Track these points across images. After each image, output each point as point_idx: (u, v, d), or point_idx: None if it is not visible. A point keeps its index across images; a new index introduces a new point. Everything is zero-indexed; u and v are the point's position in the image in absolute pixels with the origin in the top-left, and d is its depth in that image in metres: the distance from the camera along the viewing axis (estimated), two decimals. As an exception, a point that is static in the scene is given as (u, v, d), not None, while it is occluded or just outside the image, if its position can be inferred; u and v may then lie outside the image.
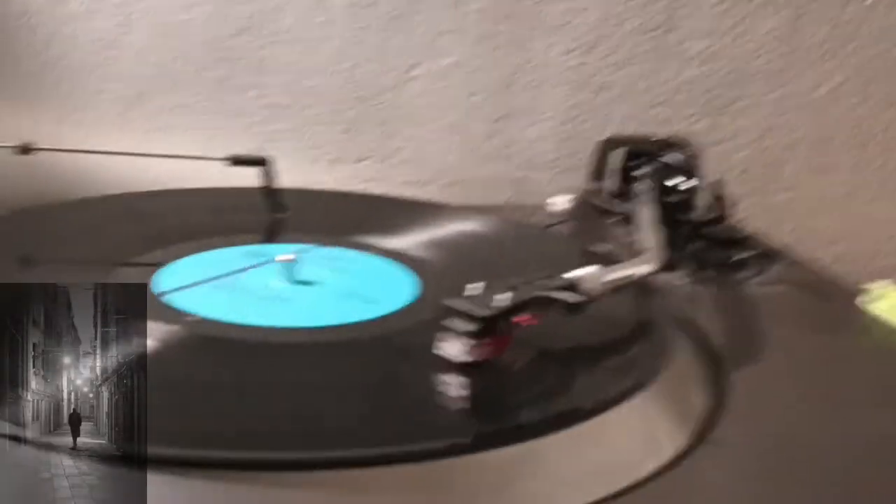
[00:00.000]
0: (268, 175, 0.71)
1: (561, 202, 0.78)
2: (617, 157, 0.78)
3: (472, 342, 0.49)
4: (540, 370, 0.52)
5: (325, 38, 0.87)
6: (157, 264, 0.61)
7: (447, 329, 0.50)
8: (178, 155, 0.70)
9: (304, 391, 0.48)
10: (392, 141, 0.90)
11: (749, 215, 0.99)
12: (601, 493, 0.45)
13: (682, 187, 0.75)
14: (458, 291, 0.59)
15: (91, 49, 0.83)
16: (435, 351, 0.50)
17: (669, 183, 0.76)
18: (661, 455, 0.50)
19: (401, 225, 0.71)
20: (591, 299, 0.55)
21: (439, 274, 0.63)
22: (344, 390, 0.48)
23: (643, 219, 0.68)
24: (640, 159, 0.77)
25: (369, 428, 0.45)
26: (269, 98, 0.87)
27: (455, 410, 0.49)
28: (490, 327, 0.50)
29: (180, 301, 0.55)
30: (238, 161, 0.71)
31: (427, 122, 0.90)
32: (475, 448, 0.44)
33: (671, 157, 0.77)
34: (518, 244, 0.71)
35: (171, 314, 0.54)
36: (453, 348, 0.50)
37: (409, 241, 0.69)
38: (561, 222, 0.79)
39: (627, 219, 0.74)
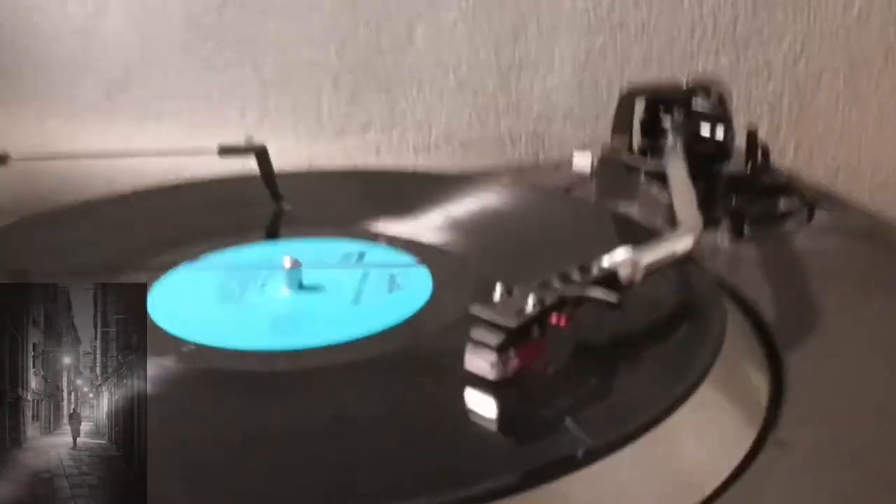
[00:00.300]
0: (264, 163, 0.66)
1: (584, 161, 0.72)
2: (640, 109, 0.72)
3: (503, 356, 0.44)
4: (583, 375, 0.47)
5: (316, 5, 0.80)
6: (146, 281, 0.56)
7: (474, 342, 0.45)
8: (162, 151, 0.65)
9: (319, 434, 0.43)
10: (397, 106, 0.84)
11: (783, 150, 0.93)
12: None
13: (716, 136, 0.69)
14: (477, 281, 0.54)
15: (66, 38, 0.77)
16: (466, 367, 0.45)
17: (700, 132, 0.69)
18: (732, 459, 0.45)
19: (411, 204, 0.65)
20: (631, 287, 0.49)
21: (457, 261, 0.58)
22: (362, 430, 0.43)
23: (674, 180, 0.62)
24: (665, 108, 0.71)
25: (407, 478, 0.40)
26: (261, 74, 0.81)
27: (499, 442, 0.43)
28: (521, 336, 0.45)
29: (173, 325, 0.50)
30: (229, 151, 0.65)
31: (432, 82, 0.84)
32: (527, 485, 0.39)
33: (699, 103, 0.70)
34: (542, 216, 0.65)
35: (167, 343, 0.49)
36: (484, 365, 0.45)
37: (421, 223, 0.63)
38: (584, 183, 0.73)
39: (657, 176, 0.68)
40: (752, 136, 0.66)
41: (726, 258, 0.64)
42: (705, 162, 0.69)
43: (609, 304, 0.46)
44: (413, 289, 0.54)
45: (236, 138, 0.81)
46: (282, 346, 0.49)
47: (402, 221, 0.63)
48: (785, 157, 0.94)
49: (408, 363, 0.48)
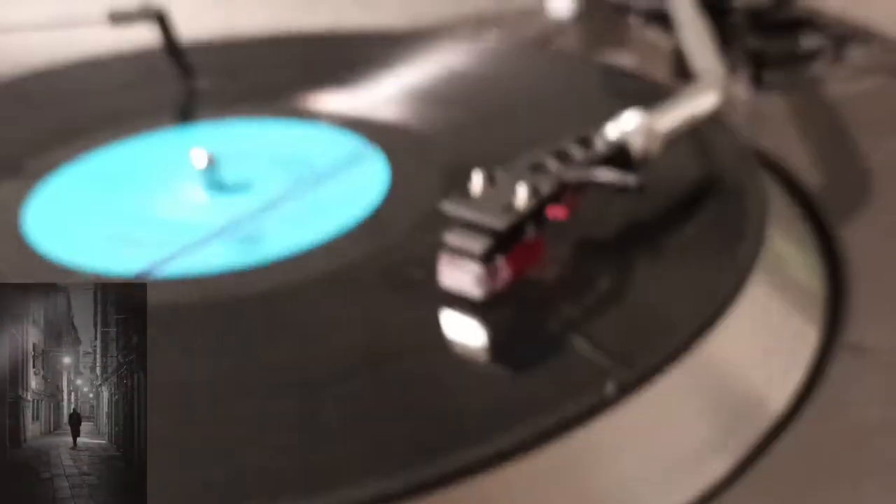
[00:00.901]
0: (165, 29, 0.53)
1: (562, 3, 0.60)
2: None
3: (490, 266, 0.33)
4: (596, 282, 0.35)
5: None
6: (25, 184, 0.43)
7: (451, 249, 0.33)
8: (39, 25, 0.52)
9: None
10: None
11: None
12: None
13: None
14: (445, 166, 0.43)
15: None
16: (440, 283, 0.34)
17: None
18: (797, 370, 0.34)
19: (355, 73, 0.53)
20: (647, 162, 0.38)
21: (417, 141, 0.46)
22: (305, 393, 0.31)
23: (682, 16, 0.49)
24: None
25: (372, 452, 0.28)
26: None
27: (498, 383, 0.31)
28: (512, 239, 0.33)
29: (57, 247, 0.39)
30: (121, 17, 0.52)
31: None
32: (541, 439, 0.28)
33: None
34: (518, 78, 0.52)
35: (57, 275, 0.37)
36: (466, 278, 0.33)
37: (369, 96, 0.51)
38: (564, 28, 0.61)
39: (653, 15, 0.56)
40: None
41: (747, 112, 0.52)
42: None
43: (625, 189, 0.34)
44: (365, 181, 0.42)
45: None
46: (197, 269, 0.37)
47: (345, 94, 0.51)
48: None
49: (363, 283, 0.36)
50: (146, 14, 0.52)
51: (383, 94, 0.50)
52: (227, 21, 0.69)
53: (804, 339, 0.36)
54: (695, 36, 0.47)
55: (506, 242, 0.33)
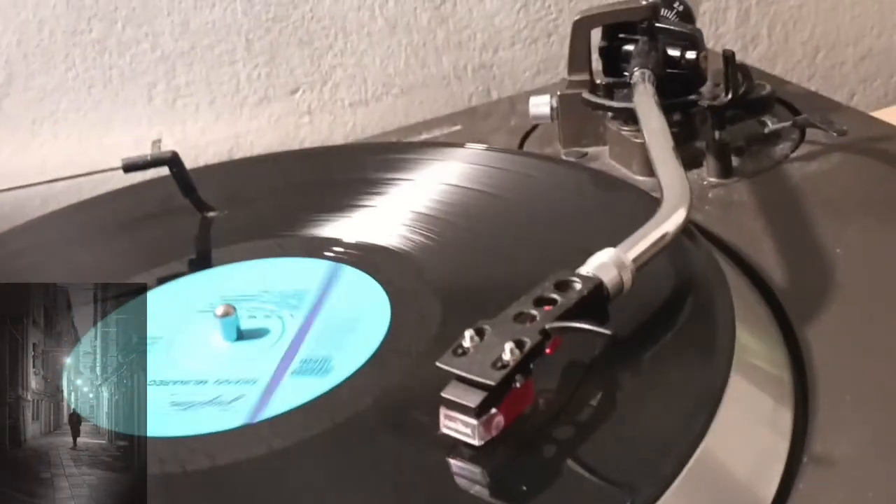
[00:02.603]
0: (178, 171, 0.57)
1: (542, 107, 0.63)
2: (598, 38, 0.63)
3: (487, 416, 0.37)
4: (587, 412, 0.39)
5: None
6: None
7: (449, 403, 0.37)
8: (54, 179, 0.56)
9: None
10: (323, 60, 0.74)
11: (756, 37, 0.85)
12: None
13: (686, 56, 0.60)
14: (442, 302, 0.47)
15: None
16: (443, 431, 0.38)
17: (669, 54, 0.61)
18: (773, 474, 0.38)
19: (350, 198, 0.57)
20: (622, 293, 0.42)
21: (413, 268, 0.50)
22: None
23: (648, 132, 0.53)
24: (625, 35, 0.62)
25: None
26: (162, 47, 0.71)
27: None
28: (503, 390, 0.37)
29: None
30: (134, 167, 0.56)
31: (358, 27, 0.74)
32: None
33: (662, 20, 0.61)
34: (510, 187, 0.56)
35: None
36: (463, 429, 0.37)
37: (366, 225, 0.54)
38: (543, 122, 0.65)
39: (627, 113, 0.60)
40: (729, 60, 0.57)
41: (717, 204, 0.56)
42: (679, 88, 0.60)
43: (600, 336, 0.38)
44: (370, 318, 0.46)
45: (147, 125, 0.72)
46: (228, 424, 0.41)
47: (343, 219, 0.55)
48: (759, 44, 0.86)
49: (374, 428, 0.40)
50: (159, 161, 0.56)
51: (382, 218, 0.54)
52: (234, 134, 0.74)
53: (778, 445, 0.40)
54: (659, 149, 0.51)
55: (498, 395, 0.37)
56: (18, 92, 0.69)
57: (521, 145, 0.67)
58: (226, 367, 0.45)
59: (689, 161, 0.58)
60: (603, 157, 0.63)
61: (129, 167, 0.56)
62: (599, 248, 0.43)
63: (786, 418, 0.41)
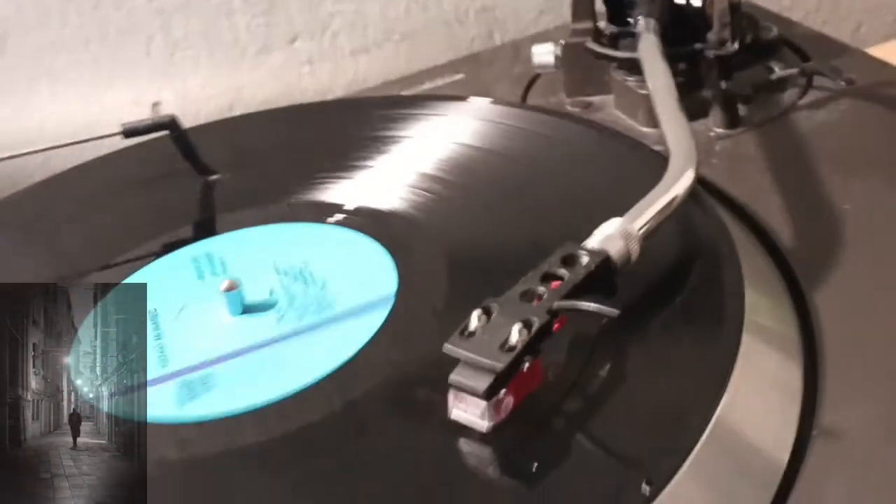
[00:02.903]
0: (178, 136, 0.56)
1: (545, 56, 0.62)
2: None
3: (496, 399, 0.37)
4: (598, 387, 0.39)
5: None
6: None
7: (457, 387, 0.37)
8: (55, 145, 0.56)
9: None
10: (322, 8, 0.73)
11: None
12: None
13: (692, 2, 0.59)
14: (452, 262, 0.46)
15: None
16: (451, 416, 0.38)
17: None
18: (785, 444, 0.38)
19: (352, 158, 0.56)
20: (629, 264, 0.42)
21: (423, 234, 0.49)
22: None
23: (654, 88, 0.52)
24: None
25: None
26: (159, 0, 0.69)
27: None
28: (511, 373, 0.37)
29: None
30: (134, 132, 0.55)
31: (357, -28, 0.73)
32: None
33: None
34: (513, 144, 0.55)
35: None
36: (472, 415, 0.37)
37: (374, 183, 0.54)
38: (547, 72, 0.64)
39: (632, 63, 0.59)
40: (735, 8, 0.56)
41: (724, 157, 0.55)
42: (685, 35, 0.59)
43: (607, 317, 0.38)
44: (376, 286, 0.46)
45: (147, 80, 0.72)
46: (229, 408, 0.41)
47: (346, 181, 0.55)
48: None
49: (378, 409, 0.40)
50: (158, 125, 0.55)
51: (388, 179, 0.54)
52: (234, 85, 0.73)
53: (788, 413, 0.40)
54: (665, 108, 0.50)
55: (506, 377, 0.37)
56: (14, 48, 0.68)
57: (525, 94, 0.66)
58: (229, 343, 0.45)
59: (696, 111, 0.58)
60: (608, 107, 0.62)
61: (130, 132, 0.55)
62: (609, 208, 0.43)
63: (796, 384, 0.41)
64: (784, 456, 0.38)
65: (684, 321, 0.42)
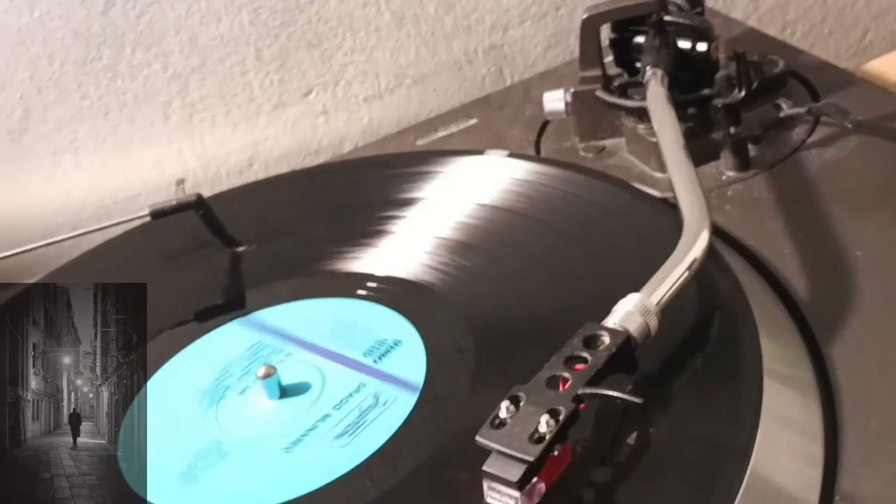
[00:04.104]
0: (206, 213, 0.58)
1: (556, 103, 0.64)
2: (607, 34, 0.62)
3: (529, 487, 0.38)
4: (626, 461, 0.41)
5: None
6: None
7: (490, 477, 0.39)
8: (82, 232, 0.57)
9: None
10: (334, 59, 0.74)
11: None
12: None
13: (697, 49, 0.60)
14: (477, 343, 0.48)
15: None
16: (489, 502, 0.39)
17: (680, 47, 0.60)
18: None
19: (372, 223, 0.58)
20: (649, 338, 0.43)
21: (448, 313, 0.51)
22: None
23: (664, 144, 0.53)
24: (635, 29, 0.61)
25: None
26: (173, 66, 0.71)
27: None
28: (543, 461, 0.39)
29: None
30: (162, 213, 0.57)
31: (365, 23, 0.74)
32: None
33: (671, 12, 0.61)
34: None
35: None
36: (510, 500, 0.39)
37: (397, 251, 0.56)
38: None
39: (639, 111, 0.60)
40: (740, 59, 0.57)
41: (737, 203, 0.57)
42: (694, 81, 0.60)
43: (630, 405, 0.39)
44: (403, 368, 0.48)
45: (166, 143, 0.73)
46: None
47: (373, 252, 0.56)
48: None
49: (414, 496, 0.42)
50: (185, 205, 0.57)
51: (411, 247, 0.55)
52: (252, 142, 0.74)
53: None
54: (675, 166, 0.51)
55: (537, 466, 0.38)
56: (36, 125, 0.70)
57: (538, 139, 0.67)
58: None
59: (707, 154, 0.59)
60: (621, 151, 0.63)
61: (157, 214, 0.57)
62: (630, 265, 0.44)
63: (817, 448, 0.42)
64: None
65: (705, 378, 0.44)
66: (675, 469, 0.40)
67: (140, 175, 0.71)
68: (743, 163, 0.58)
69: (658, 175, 0.60)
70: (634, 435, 0.42)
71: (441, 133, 0.70)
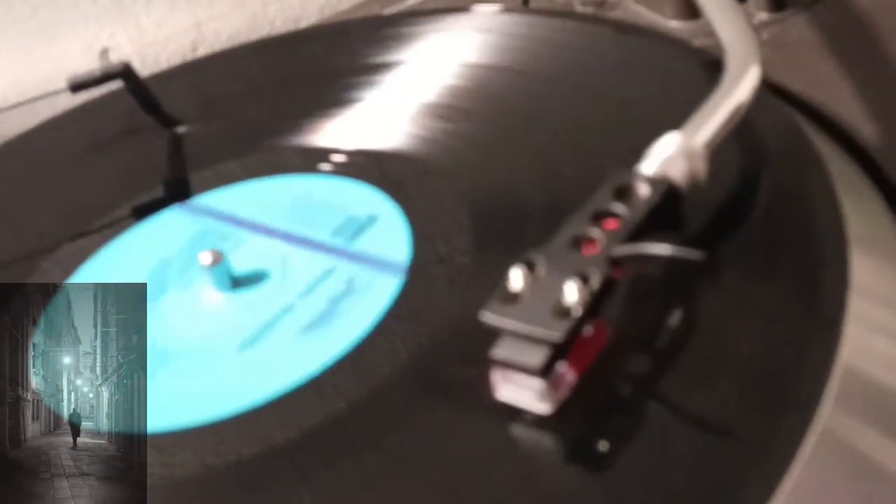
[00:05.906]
0: (135, 86, 0.48)
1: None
2: None
3: (554, 375, 0.29)
4: (675, 343, 0.31)
5: None
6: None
7: (502, 365, 0.30)
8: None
9: None
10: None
11: None
12: None
13: None
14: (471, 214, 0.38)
15: None
16: (499, 398, 0.30)
17: None
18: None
19: (340, 92, 0.48)
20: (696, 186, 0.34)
21: (437, 175, 0.41)
22: None
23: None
24: None
25: None
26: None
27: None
28: (571, 343, 0.29)
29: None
30: (83, 84, 0.47)
31: None
32: None
33: None
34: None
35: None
36: (526, 394, 0.30)
37: (362, 120, 0.46)
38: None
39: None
40: None
41: (775, 47, 0.47)
42: None
43: (688, 263, 0.30)
44: (383, 247, 0.38)
45: (95, 26, 0.63)
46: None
47: (336, 119, 0.46)
48: None
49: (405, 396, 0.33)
50: (110, 75, 0.47)
51: (387, 115, 0.46)
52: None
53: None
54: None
55: (565, 348, 0.29)
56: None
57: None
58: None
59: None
60: (625, 2, 0.54)
61: (77, 86, 0.47)
62: (654, 125, 0.35)
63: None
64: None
65: (772, 253, 0.34)
66: (740, 358, 0.31)
67: (67, 64, 0.60)
68: (777, 1, 0.49)
69: (674, 24, 0.51)
70: (683, 315, 0.33)
71: (411, 1, 0.60)
